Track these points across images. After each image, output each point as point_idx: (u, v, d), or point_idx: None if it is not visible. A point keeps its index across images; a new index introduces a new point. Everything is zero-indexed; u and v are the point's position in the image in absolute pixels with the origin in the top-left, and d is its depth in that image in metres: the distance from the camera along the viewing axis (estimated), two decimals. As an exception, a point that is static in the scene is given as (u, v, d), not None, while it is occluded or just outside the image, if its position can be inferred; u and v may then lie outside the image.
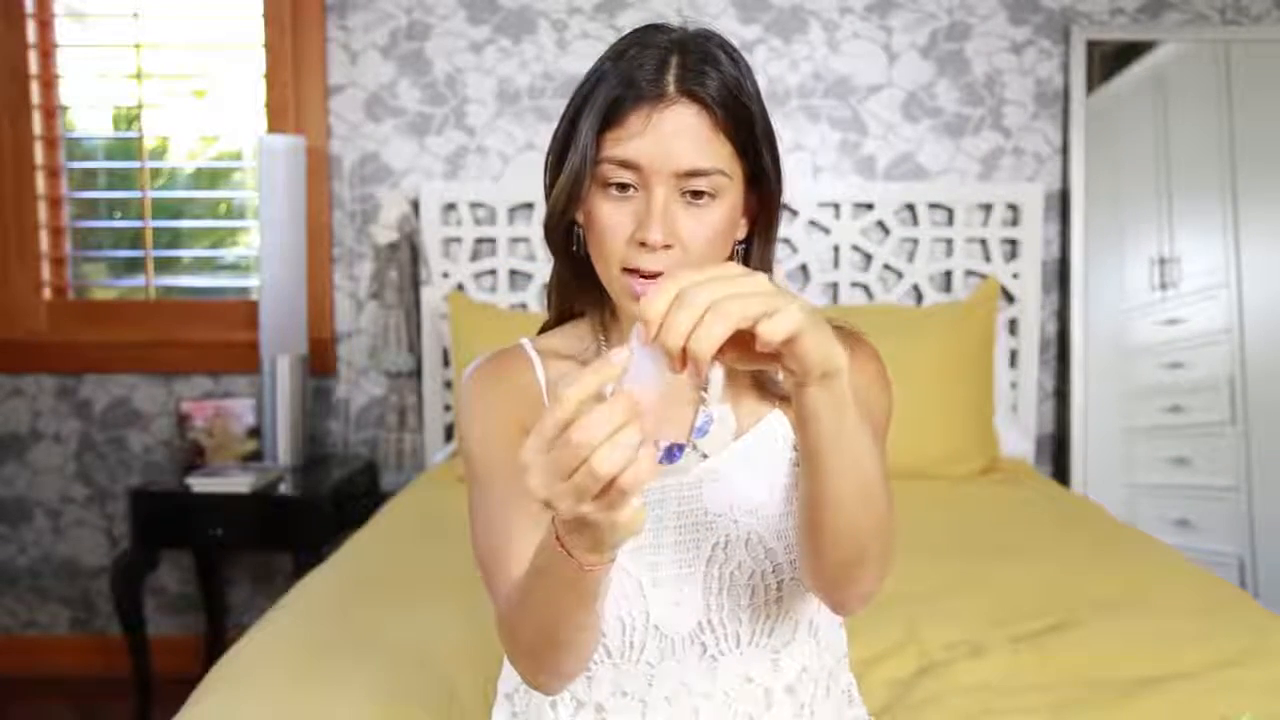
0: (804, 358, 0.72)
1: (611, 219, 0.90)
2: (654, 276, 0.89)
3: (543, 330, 1.08)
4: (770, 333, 0.69)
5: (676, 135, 0.87)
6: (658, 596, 0.96)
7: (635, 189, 0.89)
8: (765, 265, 0.99)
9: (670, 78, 0.88)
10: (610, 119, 0.89)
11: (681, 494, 0.97)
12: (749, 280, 0.70)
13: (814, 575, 0.91)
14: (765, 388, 1.00)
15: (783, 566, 0.95)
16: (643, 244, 0.88)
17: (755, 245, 0.98)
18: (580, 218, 0.94)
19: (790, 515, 0.97)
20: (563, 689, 0.94)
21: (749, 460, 0.98)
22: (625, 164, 0.88)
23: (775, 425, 1.00)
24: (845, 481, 0.81)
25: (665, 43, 0.90)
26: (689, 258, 0.89)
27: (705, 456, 0.98)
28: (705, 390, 0.68)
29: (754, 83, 0.92)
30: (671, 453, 0.98)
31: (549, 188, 0.96)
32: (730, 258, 0.96)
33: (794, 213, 2.62)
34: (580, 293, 1.02)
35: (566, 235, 0.96)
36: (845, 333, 1.01)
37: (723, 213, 0.90)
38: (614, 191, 0.90)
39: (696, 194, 0.89)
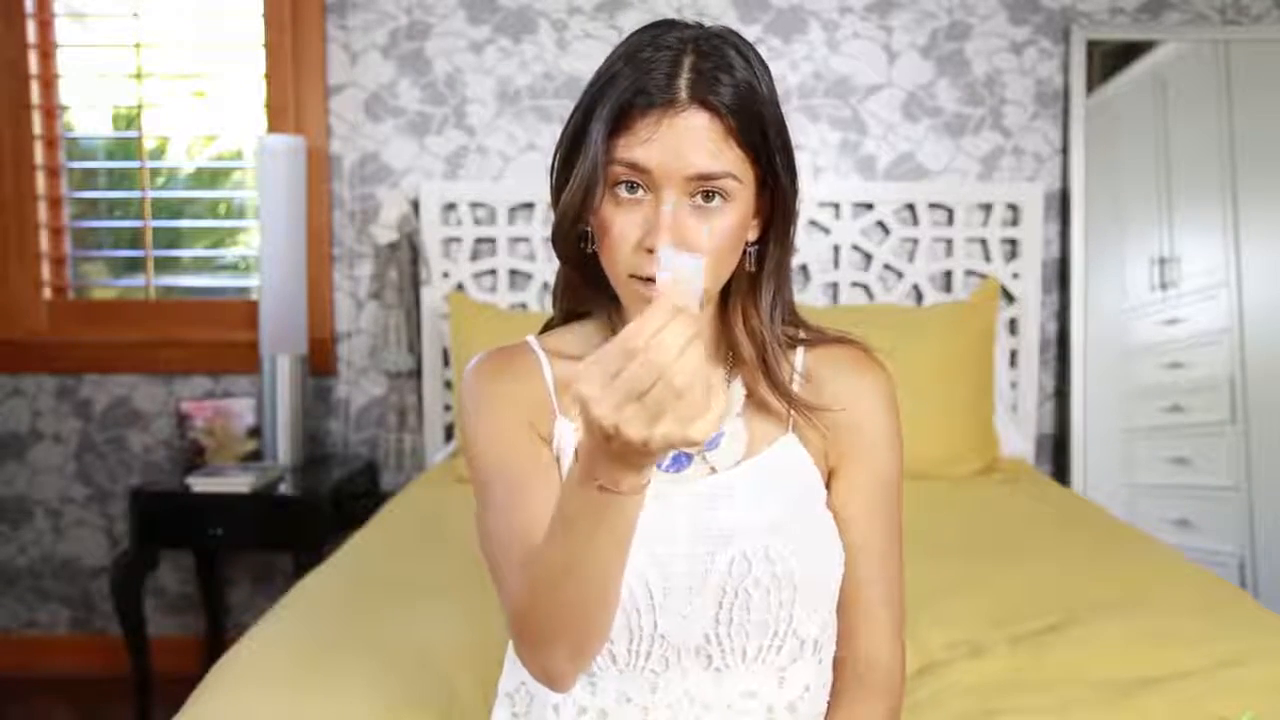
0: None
1: (620, 225, 0.89)
2: None
3: (545, 329, 1.07)
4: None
5: (687, 141, 0.86)
6: (667, 606, 0.95)
7: (644, 191, 0.88)
8: (781, 269, 0.98)
9: (682, 83, 0.86)
10: (620, 124, 0.87)
11: (696, 505, 0.96)
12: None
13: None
14: (780, 412, 0.99)
15: (796, 587, 0.94)
16: (650, 250, 0.87)
17: (770, 249, 0.97)
18: (591, 221, 0.93)
19: (808, 537, 0.97)
20: (575, 681, 0.93)
21: (763, 479, 0.97)
22: (634, 166, 0.87)
23: (789, 448, 0.99)
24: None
25: (678, 44, 0.88)
26: None
27: (714, 470, 0.98)
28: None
29: (769, 85, 0.91)
30: (679, 461, 0.98)
31: (555, 189, 0.95)
32: (742, 259, 0.95)
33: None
34: (588, 294, 1.01)
35: (575, 240, 0.95)
36: (857, 358, 1.01)
37: (733, 218, 0.89)
38: (623, 193, 0.89)
39: (707, 196, 0.88)
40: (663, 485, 0.97)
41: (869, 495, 1.00)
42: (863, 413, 0.99)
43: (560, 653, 0.88)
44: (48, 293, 2.77)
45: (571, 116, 0.93)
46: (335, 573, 1.73)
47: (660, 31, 0.90)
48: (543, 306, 2.62)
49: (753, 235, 0.96)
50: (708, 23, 0.92)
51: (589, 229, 0.93)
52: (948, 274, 2.66)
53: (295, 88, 2.65)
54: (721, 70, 0.87)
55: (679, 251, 0.70)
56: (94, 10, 2.78)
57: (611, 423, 0.69)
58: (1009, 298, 2.64)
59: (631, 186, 0.88)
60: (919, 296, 2.66)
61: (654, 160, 0.86)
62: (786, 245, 0.98)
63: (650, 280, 0.87)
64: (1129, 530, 1.99)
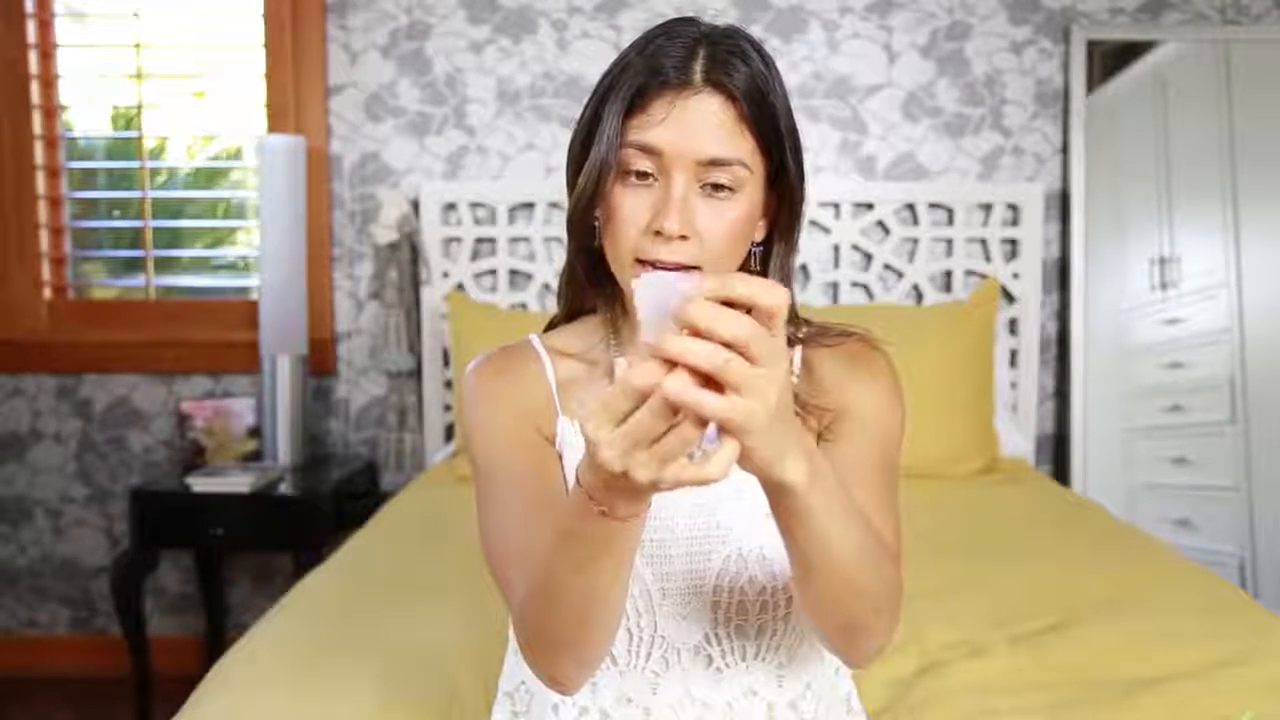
0: (746, 455, 0.69)
1: (629, 207, 0.88)
2: (669, 269, 0.86)
3: (550, 325, 1.06)
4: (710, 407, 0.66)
5: (700, 123, 0.86)
6: (666, 607, 0.94)
7: (655, 177, 0.88)
8: (785, 270, 0.97)
9: (697, 67, 0.87)
10: (635, 105, 0.87)
11: (693, 504, 0.95)
12: (772, 347, 0.66)
13: (812, 633, 0.91)
14: None
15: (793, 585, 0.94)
16: (658, 233, 0.86)
17: (775, 249, 0.96)
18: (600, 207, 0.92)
19: None
20: (582, 685, 0.92)
21: None
22: (646, 149, 0.87)
23: None
24: (816, 565, 0.80)
25: (694, 34, 0.89)
26: (705, 252, 0.88)
27: None
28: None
29: (782, 84, 0.91)
30: None
31: (571, 177, 0.94)
32: (747, 259, 0.94)
33: (794, 213, 2.62)
34: (592, 288, 1.00)
35: (590, 227, 0.94)
36: (856, 346, 0.99)
37: (742, 209, 0.89)
38: (633, 179, 0.88)
39: (717, 186, 0.88)
40: None
41: (863, 470, 0.96)
42: (857, 396, 0.97)
43: (564, 661, 0.87)
44: (48, 293, 2.77)
45: (586, 106, 0.93)
46: (335, 573, 1.73)
47: (674, 25, 0.90)
48: (543, 306, 2.62)
49: (758, 235, 0.95)
50: (721, 23, 0.92)
51: (599, 220, 0.93)
52: (948, 274, 2.66)
53: (295, 88, 2.65)
54: (736, 57, 0.87)
55: (666, 276, 0.67)
56: (94, 10, 2.78)
57: (621, 468, 0.67)
58: (1009, 298, 2.64)
59: (642, 174, 0.88)
60: (919, 296, 2.66)
61: (666, 142, 0.86)
62: (791, 246, 0.97)
63: (655, 265, 0.87)
64: (1129, 530, 1.99)
